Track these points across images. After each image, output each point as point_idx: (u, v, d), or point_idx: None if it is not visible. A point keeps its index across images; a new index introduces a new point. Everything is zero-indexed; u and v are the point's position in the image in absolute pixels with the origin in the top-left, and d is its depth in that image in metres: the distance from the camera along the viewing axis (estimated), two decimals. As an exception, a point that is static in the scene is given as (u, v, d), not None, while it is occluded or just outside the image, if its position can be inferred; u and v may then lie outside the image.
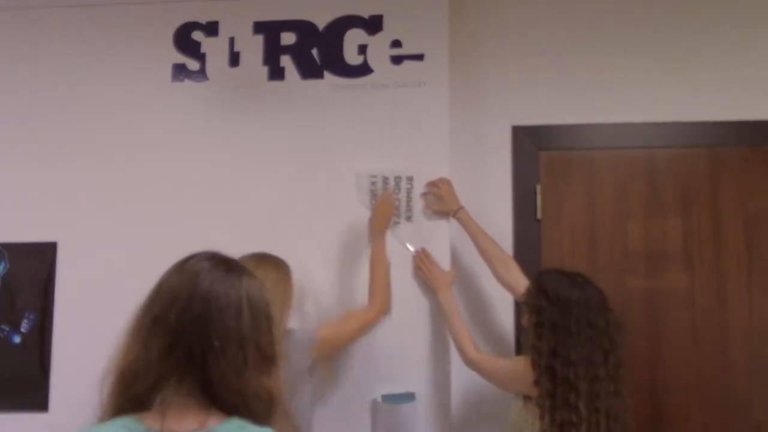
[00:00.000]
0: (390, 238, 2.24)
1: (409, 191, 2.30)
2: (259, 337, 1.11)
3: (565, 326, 1.73)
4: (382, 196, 2.26)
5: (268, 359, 1.12)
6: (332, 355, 2.02)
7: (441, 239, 2.28)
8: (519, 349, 2.34)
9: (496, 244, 2.17)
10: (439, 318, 2.23)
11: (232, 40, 2.44)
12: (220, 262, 1.14)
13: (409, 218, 2.29)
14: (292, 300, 1.93)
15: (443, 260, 2.26)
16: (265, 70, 2.41)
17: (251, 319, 1.10)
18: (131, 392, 1.05)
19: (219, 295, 1.08)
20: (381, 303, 2.10)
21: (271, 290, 1.76)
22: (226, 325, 1.07)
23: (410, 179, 2.29)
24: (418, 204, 2.29)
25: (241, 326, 1.08)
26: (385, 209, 2.22)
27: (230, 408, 1.07)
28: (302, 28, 2.41)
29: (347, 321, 2.08)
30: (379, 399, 2.19)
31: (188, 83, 2.44)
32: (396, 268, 2.23)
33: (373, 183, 2.30)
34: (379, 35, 2.38)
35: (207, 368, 1.05)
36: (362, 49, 2.38)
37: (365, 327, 2.08)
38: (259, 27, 2.43)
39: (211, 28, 2.45)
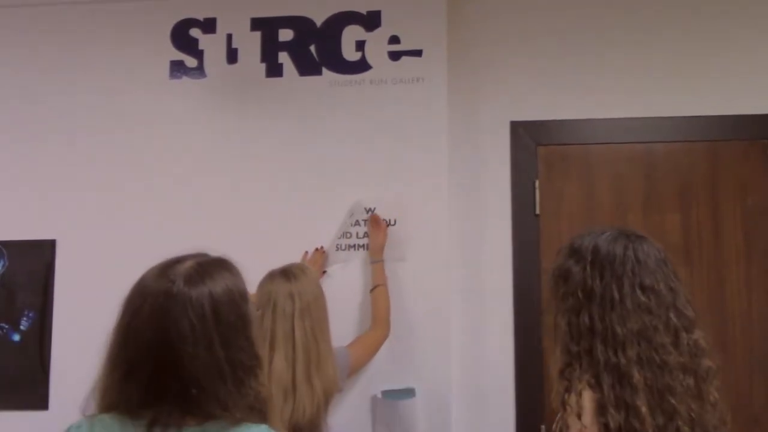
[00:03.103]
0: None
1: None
2: (238, 353, 1.07)
3: (605, 293, 1.23)
4: (374, 223, 2.26)
5: (250, 369, 1.09)
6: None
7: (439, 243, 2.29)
8: (518, 351, 2.33)
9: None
10: (441, 313, 2.24)
11: (229, 37, 2.43)
12: (188, 277, 1.08)
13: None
14: (327, 311, 1.90)
15: (442, 263, 2.27)
16: (263, 66, 2.41)
17: (224, 341, 1.06)
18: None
19: (186, 333, 1.03)
20: (387, 326, 2.14)
21: (314, 312, 1.79)
22: (203, 363, 1.03)
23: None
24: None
25: (216, 357, 1.05)
26: (378, 236, 2.23)
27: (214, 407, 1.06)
28: (300, 24, 2.41)
29: (366, 344, 2.09)
30: (380, 394, 2.19)
31: (186, 80, 2.44)
32: (395, 264, 2.25)
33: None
34: (377, 31, 2.37)
35: (191, 404, 1.04)
36: (360, 45, 2.37)
37: (376, 350, 2.11)
38: (257, 23, 2.43)
39: (209, 25, 2.45)
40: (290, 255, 2.18)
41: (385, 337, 2.13)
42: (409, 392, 2.19)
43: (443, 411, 2.22)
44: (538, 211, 2.38)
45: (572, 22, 2.45)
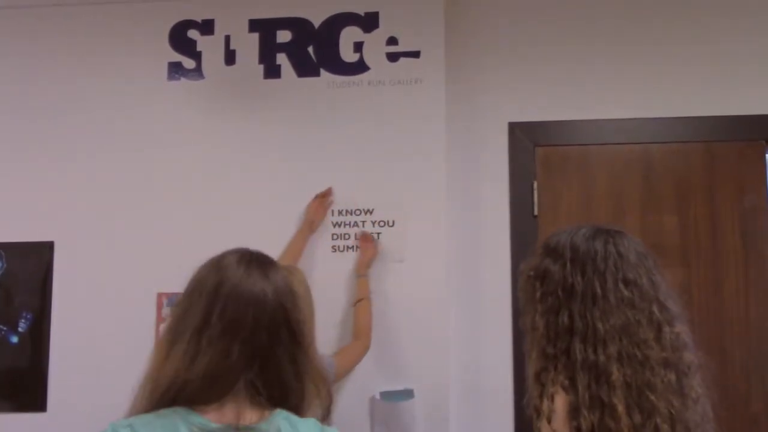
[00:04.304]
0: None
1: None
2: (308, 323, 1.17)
3: (587, 289, 1.17)
4: (364, 239, 2.27)
5: (309, 344, 1.16)
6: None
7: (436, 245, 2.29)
8: (516, 352, 2.33)
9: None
10: (439, 315, 2.24)
11: (227, 38, 2.44)
12: (254, 262, 1.13)
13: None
14: (314, 313, 1.90)
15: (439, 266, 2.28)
16: (261, 68, 2.41)
17: (300, 308, 1.15)
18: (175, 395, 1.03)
19: (280, 287, 1.11)
20: (368, 339, 2.14)
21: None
22: (297, 316, 1.11)
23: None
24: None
25: (301, 314, 1.13)
26: (368, 251, 2.24)
27: (283, 396, 1.08)
28: (298, 25, 2.41)
29: (349, 355, 2.09)
30: (378, 396, 2.19)
31: (184, 82, 2.44)
32: (393, 265, 2.27)
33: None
34: (374, 32, 2.38)
35: (272, 364, 1.06)
36: (358, 46, 2.38)
37: (358, 362, 2.11)
38: (255, 25, 2.43)
39: (207, 27, 2.45)
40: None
41: (367, 349, 2.13)
42: (407, 393, 2.19)
43: (441, 412, 2.21)
44: (536, 212, 2.38)
45: (570, 23, 2.45)
